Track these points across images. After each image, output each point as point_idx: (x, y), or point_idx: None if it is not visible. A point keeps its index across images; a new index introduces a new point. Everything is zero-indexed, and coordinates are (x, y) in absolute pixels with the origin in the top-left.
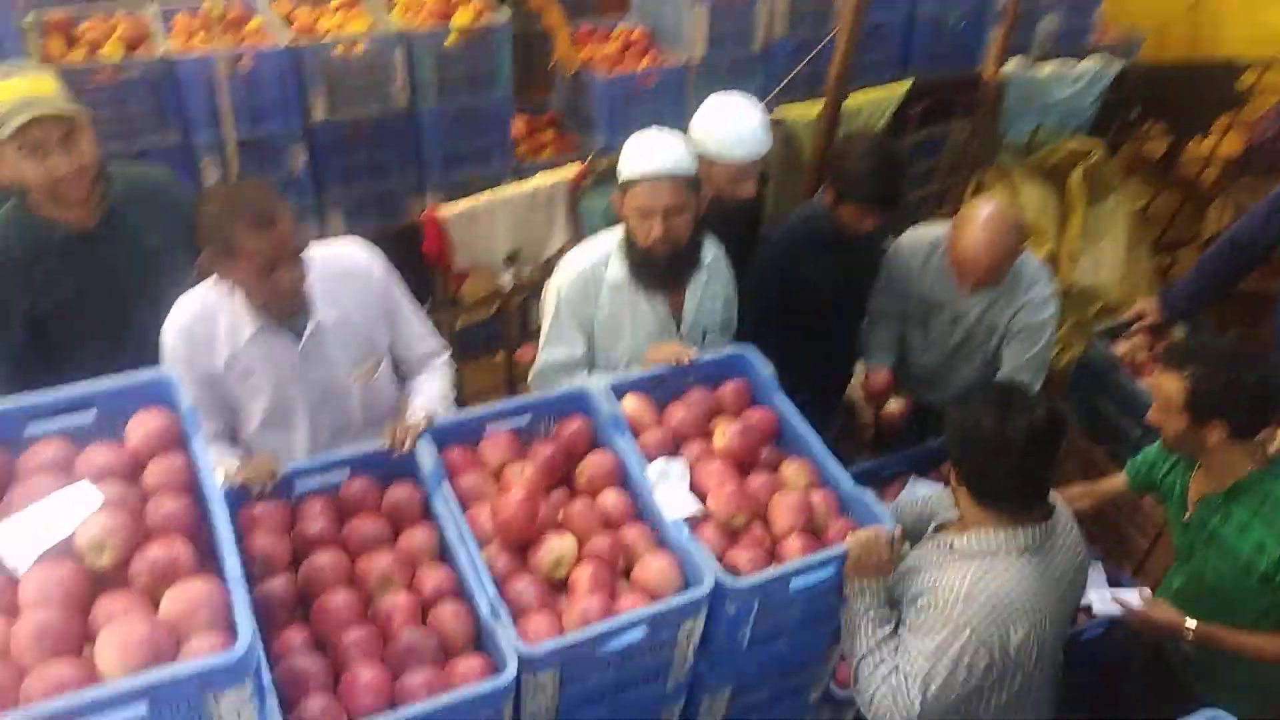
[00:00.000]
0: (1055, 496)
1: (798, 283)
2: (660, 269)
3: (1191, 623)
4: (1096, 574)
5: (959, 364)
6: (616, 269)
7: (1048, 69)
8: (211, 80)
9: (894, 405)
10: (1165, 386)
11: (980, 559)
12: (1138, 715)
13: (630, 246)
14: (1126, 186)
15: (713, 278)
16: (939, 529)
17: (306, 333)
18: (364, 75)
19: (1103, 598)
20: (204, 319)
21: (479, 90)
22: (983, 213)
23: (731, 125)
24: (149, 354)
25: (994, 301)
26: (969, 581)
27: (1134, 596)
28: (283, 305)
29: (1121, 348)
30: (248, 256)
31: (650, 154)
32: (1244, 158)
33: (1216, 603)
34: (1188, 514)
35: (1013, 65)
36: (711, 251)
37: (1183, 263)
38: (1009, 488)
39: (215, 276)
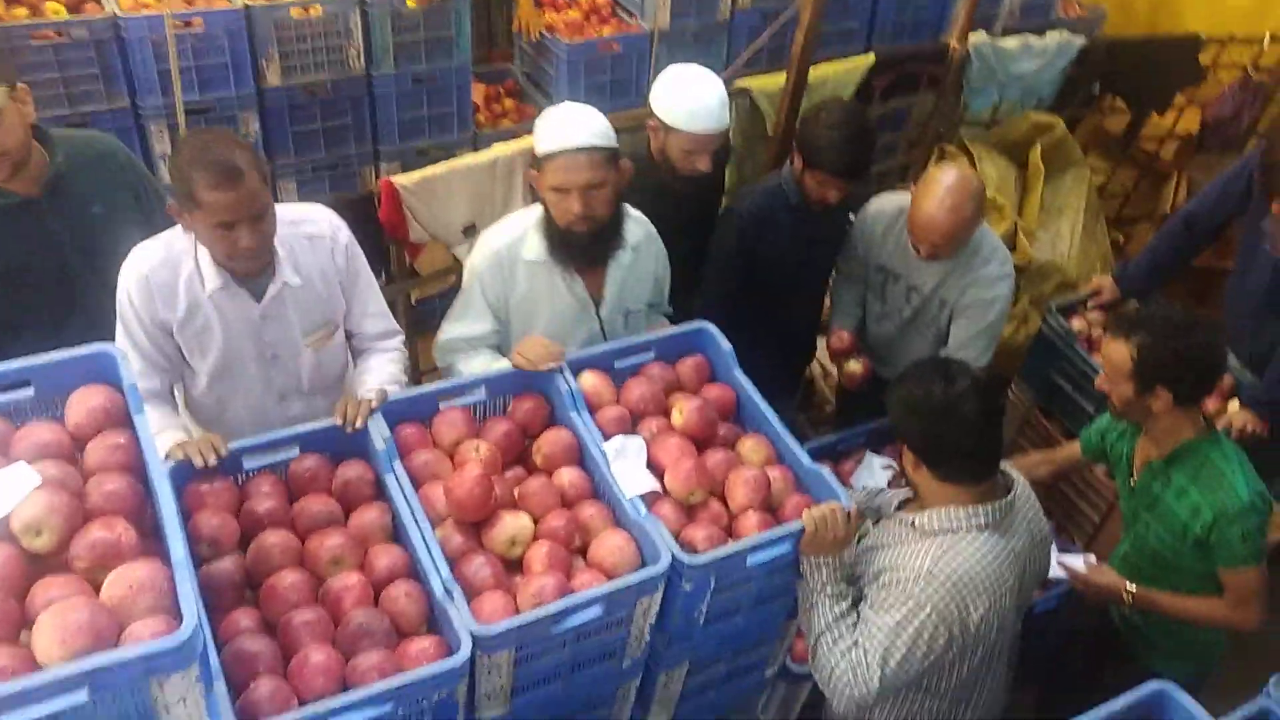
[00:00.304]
0: (1016, 474)
1: (761, 254)
2: (580, 248)
3: (1131, 586)
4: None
5: (912, 338)
6: (534, 247)
7: (1012, 42)
8: (160, 42)
9: (854, 365)
10: (1113, 353)
11: (941, 536)
12: (1088, 683)
13: (549, 224)
14: (1085, 162)
15: (640, 258)
16: (900, 507)
17: (268, 294)
18: (318, 39)
19: (1050, 564)
20: (166, 266)
21: (437, 56)
22: (944, 180)
23: (690, 97)
24: (97, 327)
25: (948, 274)
26: (930, 559)
27: (1079, 561)
28: (241, 264)
29: (1078, 323)
30: (207, 210)
31: (567, 127)
32: (1201, 135)
33: (1157, 568)
34: (1133, 479)
35: (977, 38)
36: (640, 231)
37: (1138, 239)
38: (962, 453)
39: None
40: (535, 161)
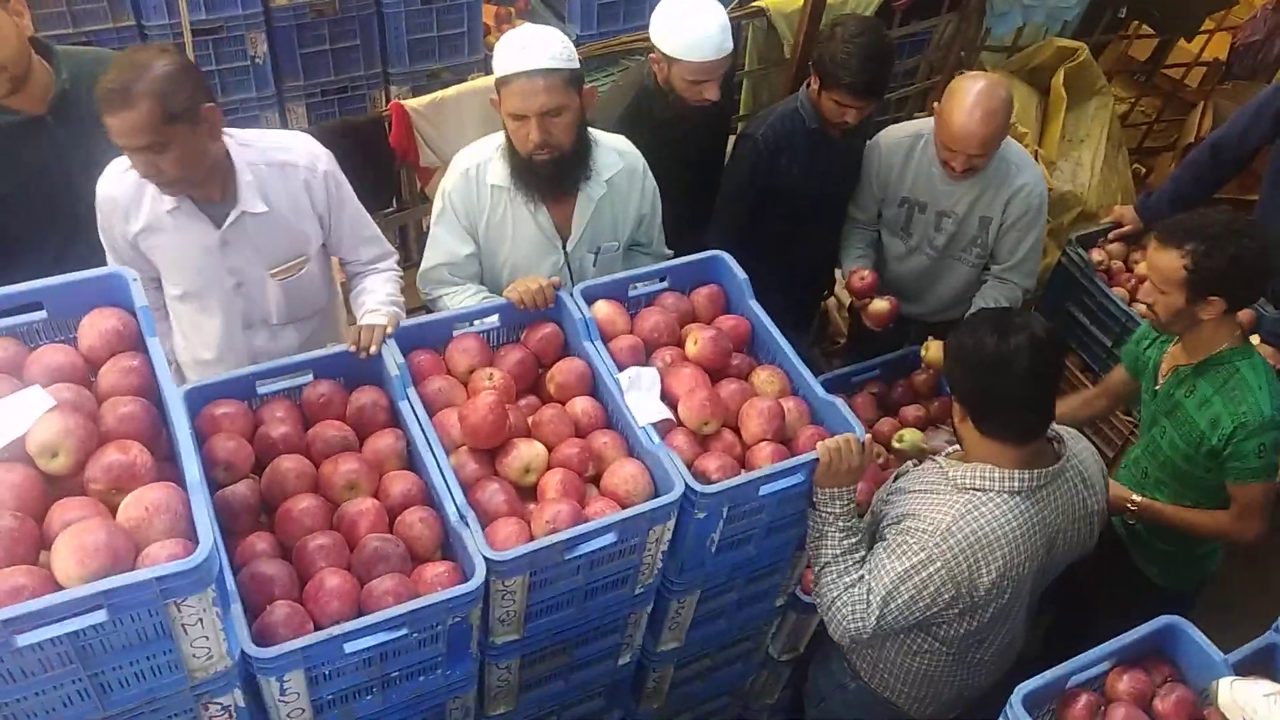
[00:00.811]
0: (1077, 447)
1: (777, 182)
2: (542, 178)
3: (1136, 498)
4: None
5: (945, 269)
6: (498, 172)
7: None
8: None
9: (881, 303)
10: (1162, 263)
11: (971, 493)
12: (1092, 593)
13: (511, 152)
14: (1109, 90)
15: (616, 192)
16: (947, 455)
17: (228, 220)
18: None
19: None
20: (134, 184)
21: None
22: (972, 89)
23: (690, 24)
24: (103, 250)
25: (982, 191)
26: (952, 516)
27: None
28: (161, 188)
29: (1098, 255)
30: (108, 131)
31: (525, 49)
32: (1229, 61)
33: (1165, 474)
34: (1158, 385)
35: None
36: (620, 163)
37: (1160, 170)
38: (1009, 410)
39: None
40: (495, 85)
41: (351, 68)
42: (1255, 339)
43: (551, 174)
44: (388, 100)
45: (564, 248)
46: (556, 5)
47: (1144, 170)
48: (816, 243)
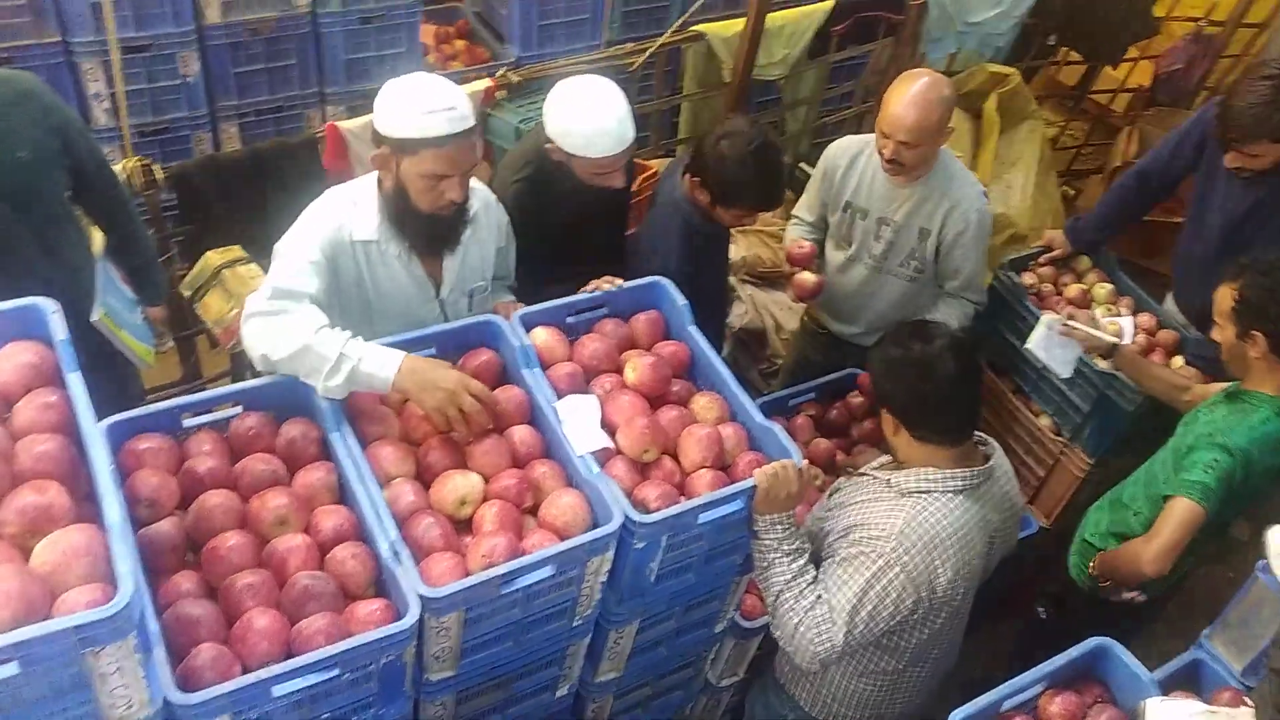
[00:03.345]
0: (997, 447)
1: (695, 288)
2: (439, 231)
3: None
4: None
5: (883, 284)
6: (366, 225)
7: None
8: None
9: (809, 276)
10: (1220, 297)
11: (916, 496)
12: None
13: (401, 208)
14: (1040, 114)
15: (478, 230)
16: (878, 468)
17: None
18: None
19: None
20: None
21: None
22: (915, 78)
23: (587, 121)
24: (31, 279)
25: (923, 201)
26: (904, 518)
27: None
28: None
29: (1029, 279)
30: None
31: (452, 108)
32: (1153, 88)
33: (1145, 482)
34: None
35: None
36: (476, 202)
37: (1089, 192)
38: (940, 412)
39: None
40: (393, 144)
41: (287, 87)
42: (1179, 360)
43: (453, 224)
44: (324, 120)
45: (438, 295)
46: (495, 25)
47: (1073, 192)
48: (720, 312)
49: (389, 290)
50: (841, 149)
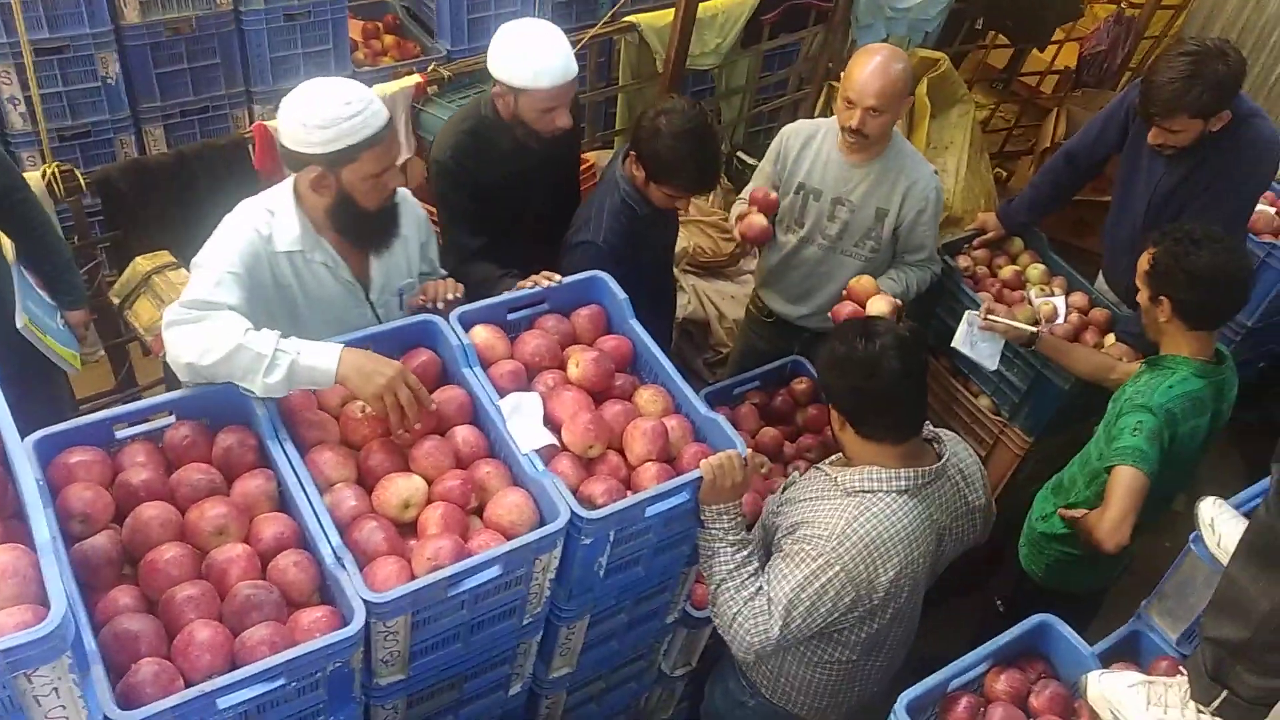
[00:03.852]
0: (954, 448)
1: (627, 272)
2: (389, 221)
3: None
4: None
5: (837, 266)
6: (288, 236)
7: None
8: None
9: (760, 219)
10: (1140, 264)
11: (860, 495)
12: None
13: (355, 215)
14: (970, 98)
15: (400, 226)
16: (830, 463)
17: None
18: None
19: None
20: None
21: None
22: (876, 49)
23: (534, 53)
24: None
25: (879, 181)
26: (845, 519)
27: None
28: None
29: (963, 261)
30: None
31: (367, 109)
32: (1078, 70)
33: (1081, 455)
34: None
35: None
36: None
37: (1020, 173)
38: (885, 409)
39: None
40: (327, 159)
41: (212, 87)
42: (1111, 338)
43: (394, 211)
44: (251, 120)
45: (368, 297)
46: (426, 20)
47: (1005, 174)
48: (665, 301)
49: (319, 297)
50: (795, 131)
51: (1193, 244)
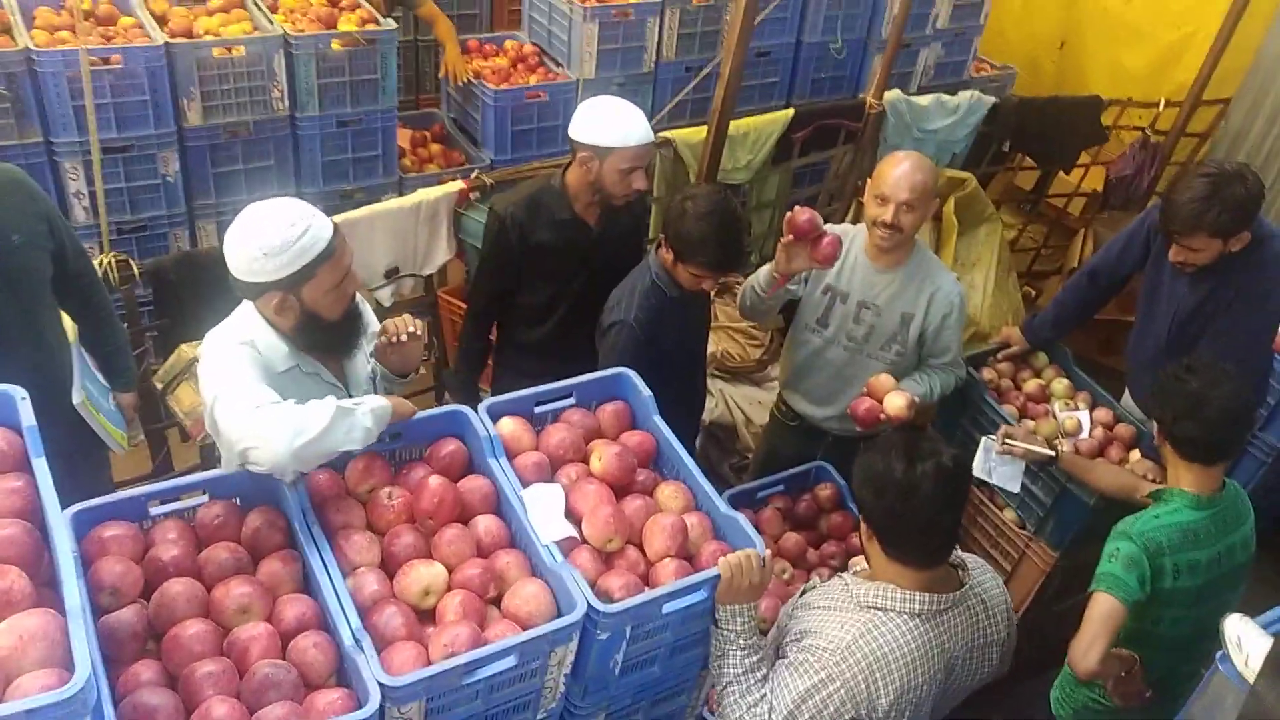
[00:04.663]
0: (981, 577)
1: (656, 356)
2: (353, 324)
3: None
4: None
5: (861, 368)
6: (278, 357)
7: (926, 100)
8: (75, 78)
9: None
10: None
11: (872, 612)
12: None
13: (321, 328)
14: (998, 217)
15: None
16: (854, 572)
17: None
18: (241, 80)
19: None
20: None
21: (363, 99)
22: (904, 152)
23: (618, 117)
24: (15, 362)
25: (905, 286)
26: (852, 635)
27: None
28: None
29: (988, 374)
30: None
31: (315, 226)
32: (1105, 192)
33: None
34: None
35: (893, 95)
36: None
37: (1049, 292)
38: (914, 534)
39: None
40: (286, 282)
41: (265, 187)
42: (1135, 454)
43: (355, 313)
44: None
45: (350, 395)
46: (471, 131)
47: (1034, 293)
48: (695, 379)
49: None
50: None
51: (1187, 373)
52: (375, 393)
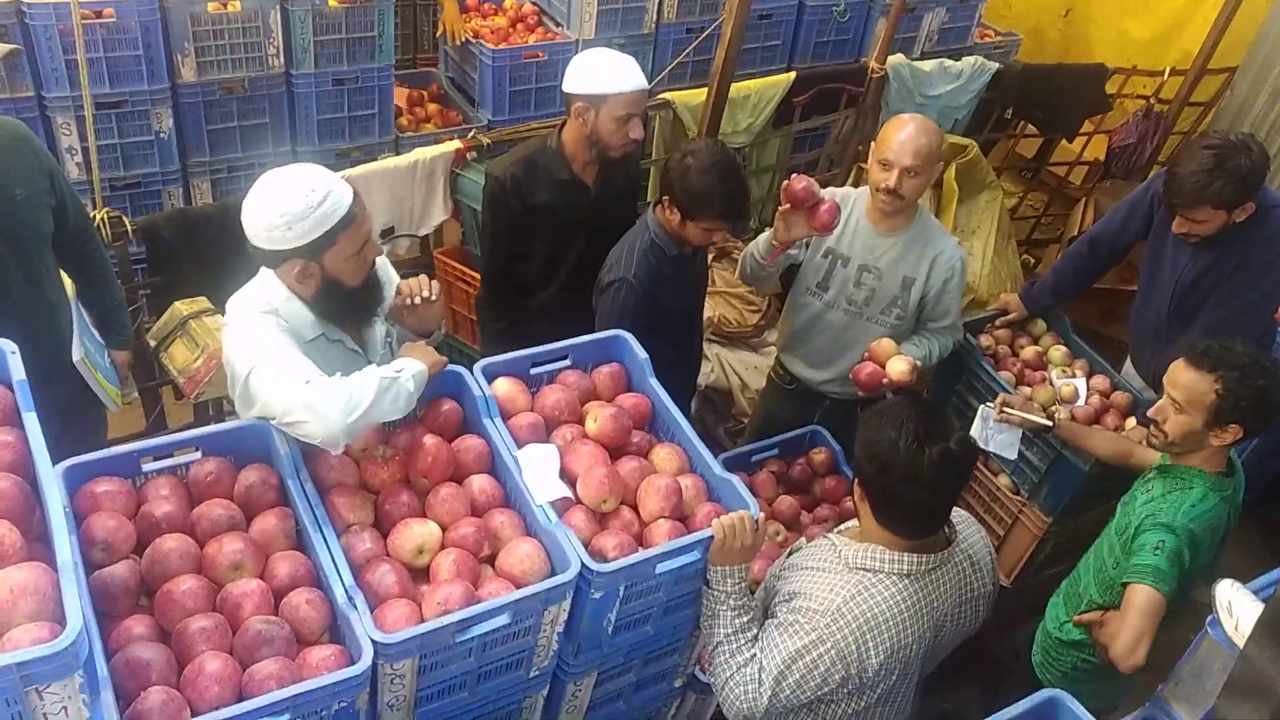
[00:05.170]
0: (966, 530)
1: (655, 315)
2: (373, 289)
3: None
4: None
5: (862, 331)
6: (305, 326)
7: (928, 65)
8: (68, 31)
9: (826, 202)
10: (1194, 385)
11: (861, 574)
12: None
13: (343, 294)
14: (998, 184)
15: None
16: (840, 532)
17: None
18: (236, 36)
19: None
20: None
21: (360, 57)
22: (908, 115)
23: (610, 64)
24: (25, 315)
25: (907, 250)
26: (843, 596)
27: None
28: None
29: (985, 340)
30: None
31: (336, 193)
32: (1107, 161)
33: (1097, 570)
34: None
35: (895, 60)
36: None
37: (1048, 260)
38: (910, 512)
39: None
40: (307, 250)
41: (260, 145)
42: (1131, 421)
43: (375, 279)
44: None
45: (370, 361)
46: (469, 90)
47: (1033, 261)
48: (692, 340)
49: (335, 372)
50: (827, 195)
51: (1259, 372)
52: (391, 356)
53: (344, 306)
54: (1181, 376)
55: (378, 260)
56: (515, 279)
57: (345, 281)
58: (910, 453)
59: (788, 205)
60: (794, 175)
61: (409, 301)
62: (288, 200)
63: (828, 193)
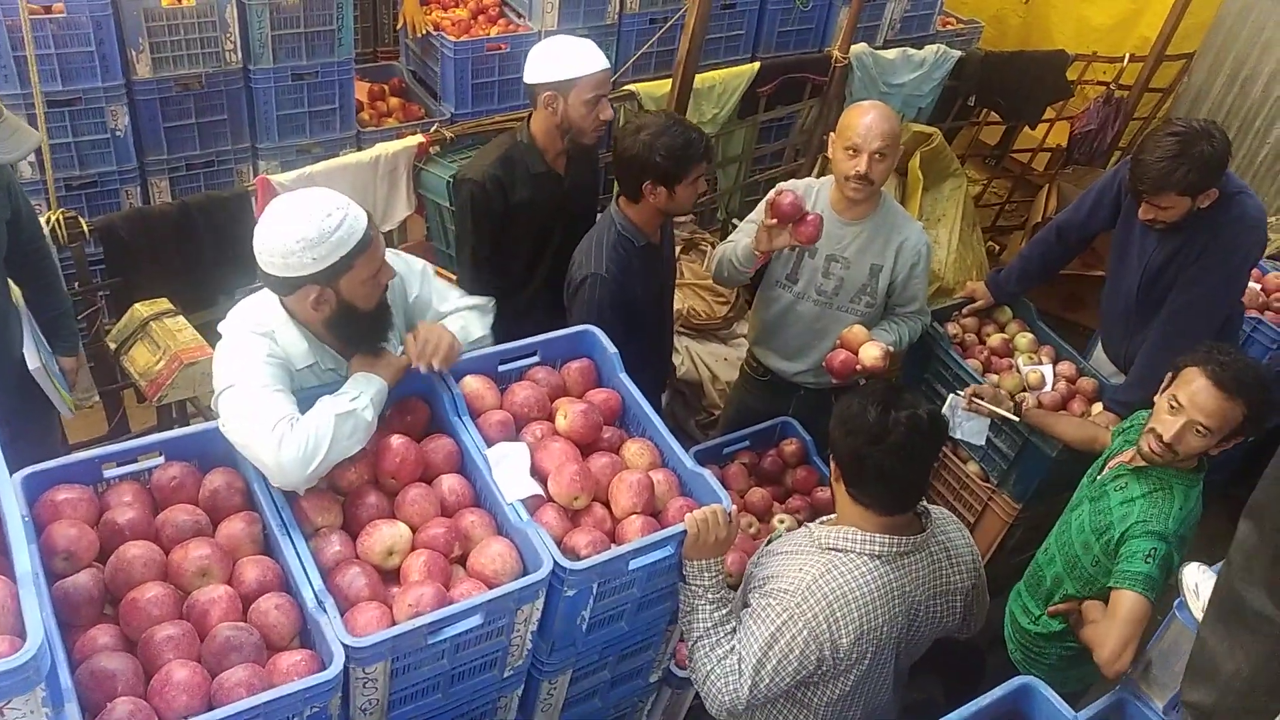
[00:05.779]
0: (944, 525)
1: (627, 309)
2: (384, 311)
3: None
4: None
5: (832, 321)
6: (300, 352)
7: (891, 54)
8: (15, 28)
9: (810, 216)
10: (1225, 412)
11: (832, 554)
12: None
13: (357, 319)
14: (963, 172)
15: (394, 297)
16: (820, 523)
17: None
18: (192, 31)
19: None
20: None
21: (319, 51)
22: (867, 102)
23: (576, 46)
24: None
25: (873, 238)
26: (812, 575)
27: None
28: None
29: (952, 328)
30: None
31: (353, 215)
32: (1069, 147)
33: (1065, 560)
34: (1101, 473)
35: (859, 49)
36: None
37: (1012, 247)
38: (881, 480)
39: None
40: (323, 275)
41: (218, 142)
42: (1097, 406)
43: (386, 309)
44: (255, 175)
45: None
46: (430, 84)
47: (997, 248)
48: (663, 333)
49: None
50: (789, 189)
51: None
52: None
53: (356, 331)
54: (1210, 404)
55: (400, 266)
56: (498, 280)
57: (359, 306)
58: (877, 414)
59: (774, 220)
60: (780, 188)
61: (416, 365)
62: (304, 225)
63: (790, 184)
